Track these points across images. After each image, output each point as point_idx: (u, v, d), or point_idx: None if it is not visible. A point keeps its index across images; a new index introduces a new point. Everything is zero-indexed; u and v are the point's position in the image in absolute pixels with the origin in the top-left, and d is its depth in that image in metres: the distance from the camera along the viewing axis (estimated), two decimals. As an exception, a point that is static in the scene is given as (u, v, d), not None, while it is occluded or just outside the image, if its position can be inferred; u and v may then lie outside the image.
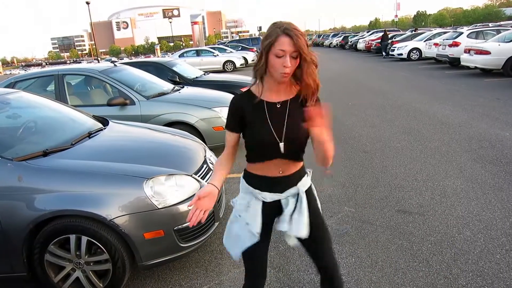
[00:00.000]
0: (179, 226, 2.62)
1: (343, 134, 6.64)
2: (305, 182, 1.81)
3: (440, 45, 16.29)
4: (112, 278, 2.57)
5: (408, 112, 7.96)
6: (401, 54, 20.64)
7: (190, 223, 1.58)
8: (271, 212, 1.78)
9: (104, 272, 2.60)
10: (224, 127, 1.80)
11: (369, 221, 3.54)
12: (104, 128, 3.55)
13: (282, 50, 1.52)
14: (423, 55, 19.82)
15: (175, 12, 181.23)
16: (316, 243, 1.83)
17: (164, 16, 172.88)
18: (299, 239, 1.80)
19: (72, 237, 2.49)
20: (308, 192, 1.83)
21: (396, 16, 59.57)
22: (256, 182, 1.76)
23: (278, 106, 1.68)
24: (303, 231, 1.74)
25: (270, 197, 1.74)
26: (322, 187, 4.29)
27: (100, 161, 2.78)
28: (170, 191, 2.67)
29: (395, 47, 21.36)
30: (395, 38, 23.58)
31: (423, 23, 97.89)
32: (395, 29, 39.27)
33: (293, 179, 1.77)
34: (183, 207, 2.64)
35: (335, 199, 4.04)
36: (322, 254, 1.84)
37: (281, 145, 1.66)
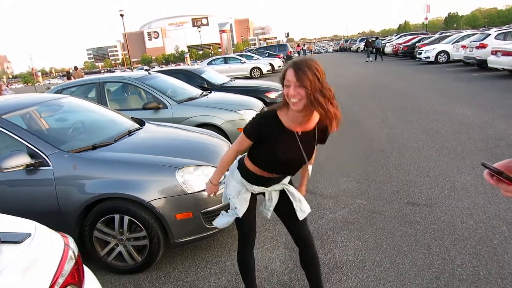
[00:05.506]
0: (205, 209, 3.05)
1: (362, 134, 6.94)
2: (287, 179, 2.29)
3: (468, 47, 16.17)
4: (149, 253, 3.03)
5: (429, 114, 8.13)
6: (428, 57, 20.51)
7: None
8: (255, 196, 2.32)
9: (142, 248, 3.06)
10: (243, 131, 2.04)
11: (378, 211, 3.85)
12: (141, 128, 4.05)
13: (288, 80, 1.81)
14: (451, 58, 19.63)
15: (204, 21, 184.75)
16: (303, 223, 2.32)
17: (193, 25, 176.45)
18: (285, 220, 2.38)
19: (116, 217, 2.97)
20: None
21: (426, 18, 58.52)
22: (250, 178, 2.18)
23: (299, 134, 1.99)
24: (308, 208, 2.29)
25: (257, 189, 2.23)
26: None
27: (139, 154, 3.26)
28: (197, 179, 3.10)
29: (422, 50, 21.24)
30: (422, 41, 23.47)
31: (454, 25, 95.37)
32: (424, 32, 38.76)
33: (280, 178, 2.23)
34: (208, 193, 3.07)
35: (349, 193, 4.37)
36: (302, 228, 2.34)
37: (310, 167, 2.31)
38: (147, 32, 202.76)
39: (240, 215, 2.23)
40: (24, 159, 2.86)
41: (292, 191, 2.25)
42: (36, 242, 1.47)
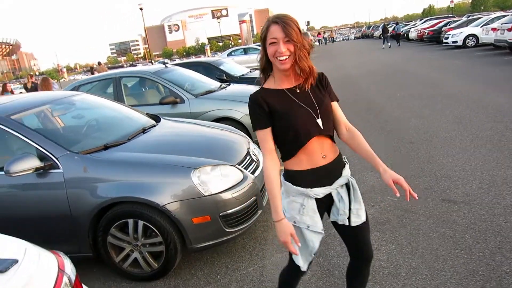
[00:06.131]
0: (224, 212, 2.84)
1: (389, 125, 6.58)
2: (349, 171, 1.89)
3: (498, 29, 15.32)
4: (165, 259, 2.85)
5: (460, 102, 7.67)
6: (456, 42, 19.63)
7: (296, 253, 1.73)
8: (323, 205, 1.85)
9: (158, 254, 2.88)
10: (256, 129, 1.76)
11: (411, 210, 3.56)
12: (157, 125, 3.86)
13: (274, 38, 1.63)
14: (480, 42, 18.69)
15: (224, 12, 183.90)
16: (362, 231, 1.90)
17: (213, 17, 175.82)
18: (337, 225, 1.89)
19: (130, 221, 2.79)
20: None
21: (452, 1, 56.32)
22: (304, 179, 1.77)
23: (298, 91, 1.75)
24: (364, 215, 1.87)
25: (322, 192, 1.78)
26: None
27: (153, 154, 3.07)
28: (215, 180, 2.89)
29: (449, 34, 20.36)
30: (449, 25, 22.53)
31: (482, 7, 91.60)
32: (450, 15, 37.35)
33: (337, 167, 1.84)
34: (227, 195, 2.86)
35: (378, 189, 4.08)
36: (366, 242, 1.94)
37: (319, 120, 1.74)
38: (168, 25, 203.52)
39: (321, 229, 1.79)
40: (33, 163, 2.72)
41: (356, 187, 1.85)
42: (23, 270, 1.28)
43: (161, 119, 4.10)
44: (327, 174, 1.80)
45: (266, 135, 1.74)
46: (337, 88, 11.44)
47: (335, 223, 1.91)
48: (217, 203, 2.83)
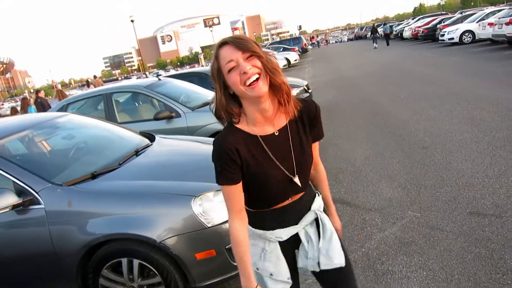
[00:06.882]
0: (231, 244, 2.47)
1: (398, 129, 6.24)
2: (319, 203, 1.58)
3: (496, 24, 15.10)
4: (166, 302, 2.48)
5: (468, 100, 7.35)
6: (452, 39, 19.42)
7: None
8: (291, 248, 1.55)
9: (158, 296, 2.51)
10: (222, 184, 1.40)
11: (438, 226, 3.21)
12: (151, 144, 3.51)
13: (230, 60, 1.28)
14: (476, 37, 18.50)
15: (215, 21, 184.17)
16: (341, 280, 1.59)
17: (205, 26, 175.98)
18: (317, 273, 1.57)
19: (124, 261, 2.44)
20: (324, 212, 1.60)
21: (443, -1, 56.41)
22: (263, 220, 1.49)
23: (276, 134, 1.41)
24: (339, 258, 1.52)
25: (285, 233, 1.49)
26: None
27: (148, 181, 2.72)
28: (219, 207, 2.53)
29: (445, 31, 20.17)
30: (443, 22, 22.38)
31: (472, 3, 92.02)
32: (443, 12, 37.33)
33: (305, 202, 1.53)
34: (233, 224, 2.50)
35: (396, 203, 3.73)
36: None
37: (296, 179, 1.44)
38: (160, 36, 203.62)
39: (286, 278, 1.49)
40: (9, 199, 2.38)
41: (325, 222, 1.52)
42: None
43: (156, 137, 3.75)
44: (292, 212, 1.50)
45: (236, 191, 1.39)
46: (336, 90, 11.03)
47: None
48: (222, 234, 2.47)
